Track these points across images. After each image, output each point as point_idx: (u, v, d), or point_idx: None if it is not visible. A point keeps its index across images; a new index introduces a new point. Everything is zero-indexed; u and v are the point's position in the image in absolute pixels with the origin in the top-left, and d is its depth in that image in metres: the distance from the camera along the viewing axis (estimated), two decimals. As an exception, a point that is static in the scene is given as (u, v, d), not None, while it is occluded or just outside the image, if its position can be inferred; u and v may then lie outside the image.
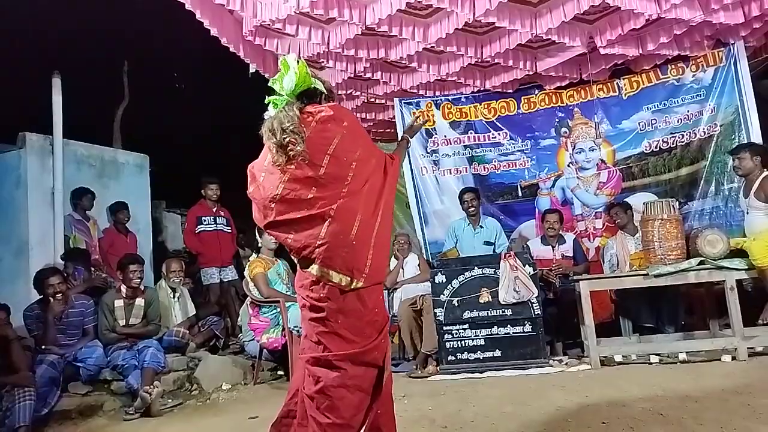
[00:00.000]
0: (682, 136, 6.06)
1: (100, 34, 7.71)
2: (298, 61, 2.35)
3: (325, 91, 2.46)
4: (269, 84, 2.39)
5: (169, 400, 4.47)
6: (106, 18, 7.47)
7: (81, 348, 4.56)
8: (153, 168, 7.53)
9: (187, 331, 5.33)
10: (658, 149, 6.17)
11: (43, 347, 4.36)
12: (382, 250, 2.36)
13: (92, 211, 6.33)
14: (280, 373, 5.23)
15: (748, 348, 4.32)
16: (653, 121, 6.21)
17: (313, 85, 2.39)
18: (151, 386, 4.21)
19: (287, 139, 2.21)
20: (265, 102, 2.37)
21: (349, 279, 2.21)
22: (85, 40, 7.65)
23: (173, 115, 8.84)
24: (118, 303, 4.90)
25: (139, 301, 4.98)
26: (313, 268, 2.22)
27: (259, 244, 5.33)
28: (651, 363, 4.49)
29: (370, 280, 2.26)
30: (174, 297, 5.55)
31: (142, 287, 5.09)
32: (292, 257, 2.35)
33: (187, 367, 5.09)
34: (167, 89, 9.06)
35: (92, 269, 5.77)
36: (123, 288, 4.98)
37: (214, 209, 6.52)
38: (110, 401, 4.41)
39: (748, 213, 4.71)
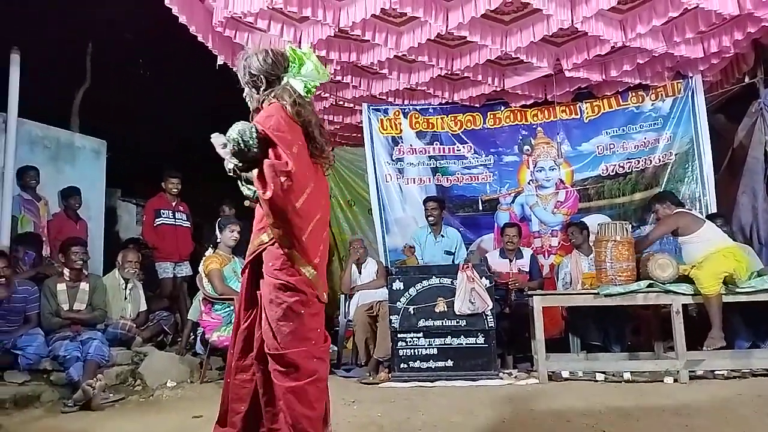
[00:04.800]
0: (638, 162, 6.27)
1: (65, 12, 7.45)
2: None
3: None
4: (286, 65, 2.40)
5: (111, 395, 4.31)
6: (72, -3, 7.24)
7: (21, 335, 4.37)
8: (110, 154, 7.31)
9: (134, 325, 5.18)
10: (614, 173, 6.36)
11: (-21, 332, 4.18)
12: None
13: (44, 192, 6.09)
14: (229, 372, 5.12)
15: (689, 371, 4.48)
16: (611, 146, 6.40)
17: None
18: (94, 379, 4.07)
19: (321, 143, 2.36)
20: (309, 86, 2.38)
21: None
22: (50, 18, 7.38)
23: (135, 102, 8.61)
24: (61, 287, 4.74)
25: (84, 286, 4.82)
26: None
27: (218, 240, 5.23)
28: (597, 380, 4.60)
29: None
30: (126, 288, 5.38)
31: (85, 272, 4.94)
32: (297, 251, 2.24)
33: (131, 362, 4.93)
34: (130, 75, 8.82)
35: (43, 255, 5.54)
36: (66, 271, 4.81)
37: (174, 203, 6.41)
38: (48, 392, 4.24)
39: (682, 248, 4.91)
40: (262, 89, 2.39)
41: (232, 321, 4.77)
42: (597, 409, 3.61)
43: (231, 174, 2.28)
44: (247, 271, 2.39)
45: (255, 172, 2.17)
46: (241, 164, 2.18)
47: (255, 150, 2.12)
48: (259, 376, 2.31)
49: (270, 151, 2.15)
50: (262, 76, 2.39)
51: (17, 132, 5.98)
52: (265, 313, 2.26)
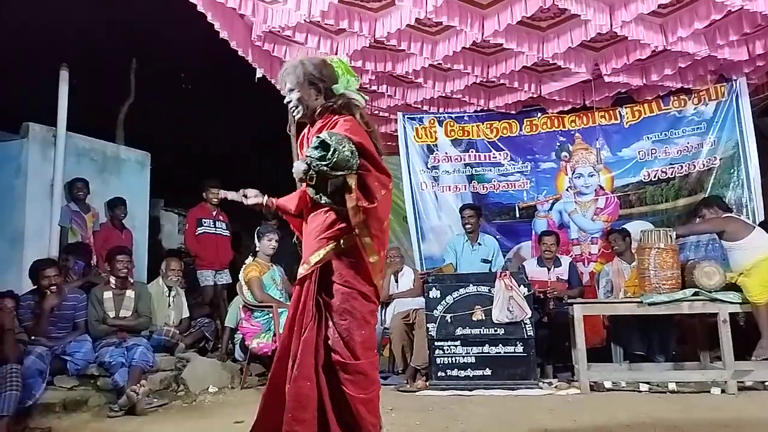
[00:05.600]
0: (681, 167, 6.12)
1: (110, 29, 7.75)
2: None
3: None
4: (336, 78, 2.48)
5: (155, 400, 4.42)
6: (117, 14, 7.51)
7: (70, 342, 4.52)
8: (153, 166, 7.53)
9: (177, 331, 5.30)
10: (656, 179, 6.23)
11: (32, 338, 4.33)
12: None
13: (95, 204, 6.31)
14: (269, 378, 5.19)
15: (738, 382, 4.33)
16: (653, 151, 6.27)
17: None
18: (138, 385, 4.18)
19: (381, 153, 2.45)
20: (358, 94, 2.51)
21: None
22: (96, 35, 7.69)
23: (177, 115, 8.86)
24: (107, 294, 4.88)
25: (129, 293, 4.96)
26: None
27: (257, 249, 5.33)
28: (640, 391, 4.49)
29: None
30: (169, 296, 5.51)
31: (131, 280, 5.08)
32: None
33: (174, 368, 5.04)
34: (173, 89, 9.08)
35: (92, 264, 5.74)
36: (112, 279, 4.97)
37: (214, 212, 6.55)
38: (95, 397, 4.36)
39: (729, 254, 4.79)
40: (322, 96, 2.45)
41: (272, 328, 4.89)
42: (641, 421, 3.52)
43: (309, 181, 2.29)
44: (311, 278, 2.34)
45: (353, 182, 2.23)
46: (334, 173, 2.22)
47: (353, 162, 2.20)
48: (324, 384, 2.28)
49: (368, 164, 2.27)
50: (320, 85, 2.45)
51: (66, 145, 6.23)
52: (333, 321, 2.29)
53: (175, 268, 5.59)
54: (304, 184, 2.36)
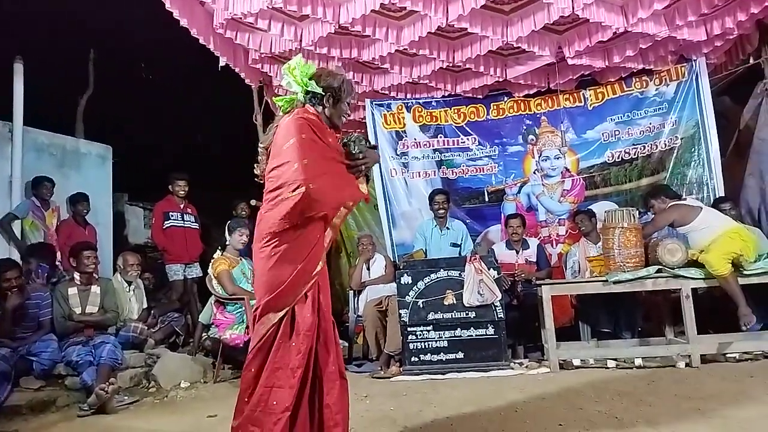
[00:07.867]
0: (644, 147, 6.24)
1: (66, 20, 7.51)
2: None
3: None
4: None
5: (125, 397, 4.35)
6: (73, 4, 7.28)
7: (35, 342, 4.42)
8: (116, 159, 7.36)
9: (146, 327, 5.22)
10: (620, 159, 6.34)
11: (-6, 340, 4.22)
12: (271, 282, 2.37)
13: (55, 199, 6.13)
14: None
15: (701, 355, 4.46)
16: (616, 132, 6.38)
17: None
18: (107, 383, 4.10)
19: None
20: None
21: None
22: (51, 27, 7.45)
23: (138, 107, 8.67)
24: (72, 291, 4.78)
25: (95, 289, 4.87)
26: None
27: (227, 242, 5.27)
28: (608, 367, 4.59)
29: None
30: (130, 290, 5.41)
31: (96, 275, 4.98)
32: None
33: (144, 364, 4.96)
34: (133, 80, 8.87)
35: (57, 265, 5.58)
36: (76, 275, 4.87)
37: (182, 205, 6.42)
38: (63, 397, 4.28)
39: (687, 237, 4.87)
40: None
41: (245, 320, 4.85)
42: (609, 396, 3.61)
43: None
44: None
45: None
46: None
47: None
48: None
49: None
50: None
51: (23, 140, 6.05)
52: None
53: (133, 262, 5.45)
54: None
